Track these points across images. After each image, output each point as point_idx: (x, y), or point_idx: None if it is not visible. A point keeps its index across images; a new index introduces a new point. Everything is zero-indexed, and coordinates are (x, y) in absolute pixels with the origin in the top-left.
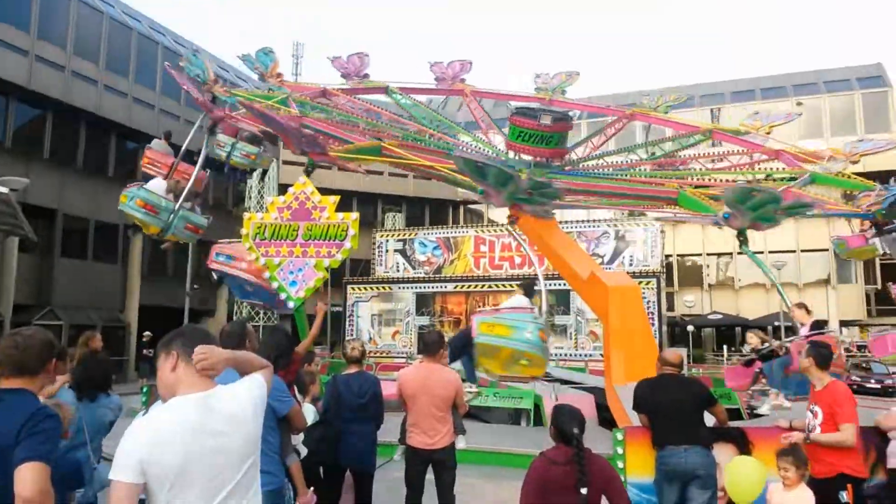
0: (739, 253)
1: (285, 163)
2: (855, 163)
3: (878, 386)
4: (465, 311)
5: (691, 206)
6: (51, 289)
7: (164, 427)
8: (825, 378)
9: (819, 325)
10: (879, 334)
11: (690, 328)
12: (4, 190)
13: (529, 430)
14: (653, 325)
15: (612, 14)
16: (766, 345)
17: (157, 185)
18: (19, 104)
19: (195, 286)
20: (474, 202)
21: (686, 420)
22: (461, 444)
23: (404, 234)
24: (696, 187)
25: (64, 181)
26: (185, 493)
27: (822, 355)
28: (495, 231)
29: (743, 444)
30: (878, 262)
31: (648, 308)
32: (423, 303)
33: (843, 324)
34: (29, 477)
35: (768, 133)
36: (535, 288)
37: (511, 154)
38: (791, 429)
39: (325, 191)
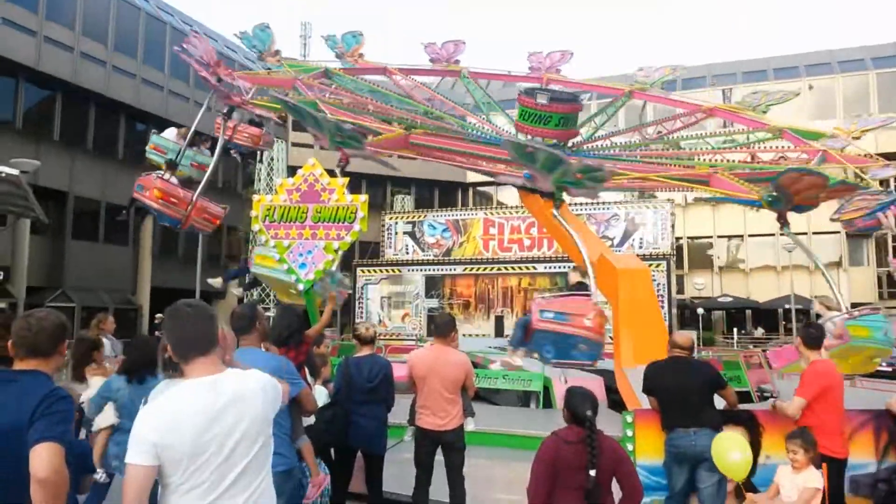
0: (750, 235)
1: (294, 144)
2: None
3: (890, 369)
4: (473, 293)
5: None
6: (62, 271)
7: (178, 410)
8: (811, 356)
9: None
10: (778, 347)
11: (700, 311)
12: (15, 172)
13: (539, 412)
14: (662, 307)
15: None
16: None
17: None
18: (28, 85)
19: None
20: (484, 184)
21: (696, 403)
22: (470, 426)
23: (413, 217)
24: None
25: (74, 163)
26: (198, 474)
27: (809, 335)
28: (505, 213)
29: (752, 427)
30: (890, 245)
31: (658, 291)
32: (432, 285)
33: (855, 306)
34: (45, 456)
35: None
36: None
37: (521, 136)
38: (774, 408)
39: (333, 173)
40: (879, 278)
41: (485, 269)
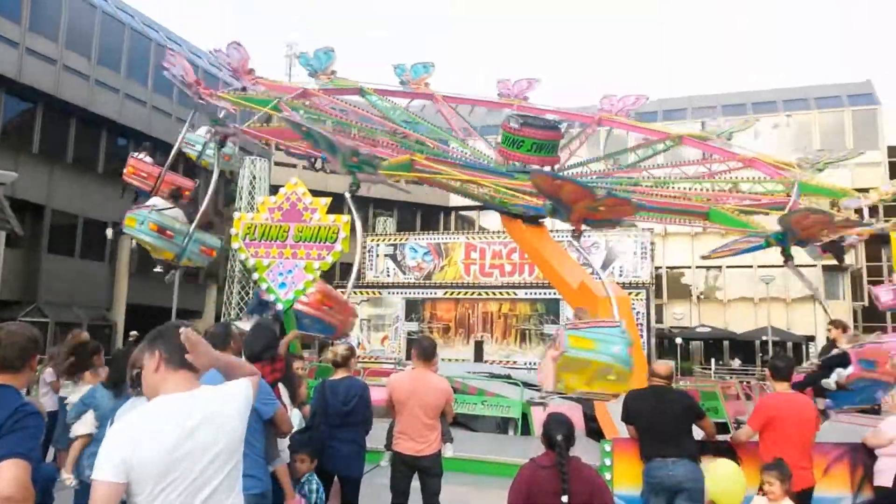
0: (728, 266)
1: (276, 164)
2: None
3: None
4: (454, 317)
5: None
6: (37, 285)
7: (148, 427)
8: (778, 388)
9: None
10: None
11: (679, 340)
12: None
13: (517, 439)
14: (641, 336)
15: (607, 25)
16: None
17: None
18: (9, 97)
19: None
20: (466, 208)
21: (674, 433)
22: (448, 452)
23: (395, 239)
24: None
25: (53, 176)
26: (167, 493)
27: (775, 367)
28: (487, 238)
29: (730, 457)
30: (865, 279)
31: (638, 319)
32: (412, 308)
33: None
34: (10, 474)
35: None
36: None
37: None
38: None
39: (316, 193)
40: (855, 311)
41: (465, 293)
